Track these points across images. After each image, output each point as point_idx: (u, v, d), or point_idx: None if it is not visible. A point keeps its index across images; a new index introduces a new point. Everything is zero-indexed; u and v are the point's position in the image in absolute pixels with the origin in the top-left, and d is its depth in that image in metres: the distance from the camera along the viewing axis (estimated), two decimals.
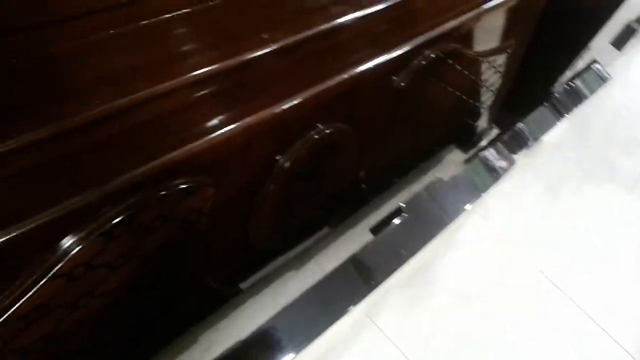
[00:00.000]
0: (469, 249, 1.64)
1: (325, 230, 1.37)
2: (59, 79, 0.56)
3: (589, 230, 1.85)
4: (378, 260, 0.84)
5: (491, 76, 1.35)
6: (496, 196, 1.83)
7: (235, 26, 0.71)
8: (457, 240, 1.67)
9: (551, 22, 1.34)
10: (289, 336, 0.82)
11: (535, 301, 1.59)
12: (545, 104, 1.32)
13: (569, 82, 1.40)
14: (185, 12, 0.68)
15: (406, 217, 0.89)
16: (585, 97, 1.33)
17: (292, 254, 1.28)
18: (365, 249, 0.84)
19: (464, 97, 1.30)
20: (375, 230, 1.02)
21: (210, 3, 0.70)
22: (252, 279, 1.18)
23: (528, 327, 1.55)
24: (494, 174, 1.02)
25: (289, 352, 0.79)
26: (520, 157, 1.82)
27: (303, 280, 1.38)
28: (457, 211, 0.94)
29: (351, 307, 0.75)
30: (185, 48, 0.67)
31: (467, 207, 0.96)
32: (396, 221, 0.89)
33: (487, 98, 1.49)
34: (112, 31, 0.61)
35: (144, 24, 0.65)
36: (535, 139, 1.18)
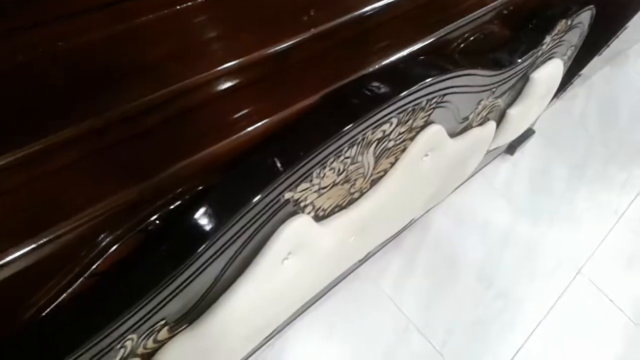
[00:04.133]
0: (492, 234, 1.62)
1: None
2: (97, 68, 0.54)
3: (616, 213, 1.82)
4: None
5: None
6: (520, 177, 1.80)
7: (275, 9, 0.68)
8: (478, 220, 1.65)
9: None
10: None
11: (560, 287, 1.57)
12: None
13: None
14: None
15: None
16: None
17: None
18: None
19: None
20: None
21: None
22: None
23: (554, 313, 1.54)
24: None
25: None
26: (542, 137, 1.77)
27: None
28: None
29: None
30: (221, 34, 0.64)
31: None
32: None
33: None
34: (150, 16, 0.58)
35: (179, 8, 0.61)
36: None
